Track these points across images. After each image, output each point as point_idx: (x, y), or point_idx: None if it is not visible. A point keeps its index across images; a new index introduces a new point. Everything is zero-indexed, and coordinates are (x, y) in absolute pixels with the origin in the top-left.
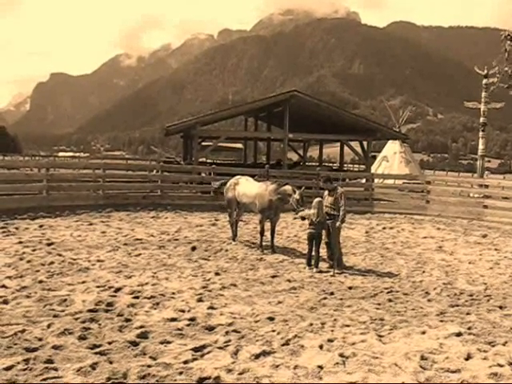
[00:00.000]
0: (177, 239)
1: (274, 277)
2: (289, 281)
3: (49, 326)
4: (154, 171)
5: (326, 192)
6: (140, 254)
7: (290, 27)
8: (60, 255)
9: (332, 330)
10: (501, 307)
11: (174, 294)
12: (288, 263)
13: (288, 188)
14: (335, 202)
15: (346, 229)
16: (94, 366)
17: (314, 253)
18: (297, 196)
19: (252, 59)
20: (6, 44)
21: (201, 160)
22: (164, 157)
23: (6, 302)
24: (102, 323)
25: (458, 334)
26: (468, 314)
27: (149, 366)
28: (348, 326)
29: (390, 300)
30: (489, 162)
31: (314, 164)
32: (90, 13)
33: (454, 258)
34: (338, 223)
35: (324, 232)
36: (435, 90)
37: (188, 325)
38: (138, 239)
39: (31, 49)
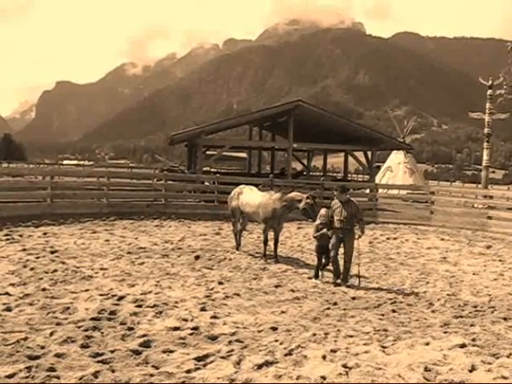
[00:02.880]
0: (180, 248)
1: (277, 286)
2: (292, 291)
3: (51, 334)
4: (155, 180)
5: (338, 203)
6: (143, 263)
7: (295, 37)
8: (63, 263)
9: (335, 341)
10: (505, 319)
11: (177, 302)
12: (291, 273)
13: (296, 194)
14: (350, 216)
15: None
16: (96, 375)
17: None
18: (309, 200)
19: (257, 69)
20: (13, 51)
21: (205, 169)
22: (168, 165)
23: (9, 310)
24: (105, 332)
25: (462, 346)
26: (472, 325)
27: (151, 375)
28: (351, 336)
29: (393, 311)
30: (493, 172)
31: (318, 174)
32: (96, 22)
33: (458, 269)
34: (358, 234)
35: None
36: (440, 100)
37: (191, 334)
38: (141, 248)
39: (37, 57)
